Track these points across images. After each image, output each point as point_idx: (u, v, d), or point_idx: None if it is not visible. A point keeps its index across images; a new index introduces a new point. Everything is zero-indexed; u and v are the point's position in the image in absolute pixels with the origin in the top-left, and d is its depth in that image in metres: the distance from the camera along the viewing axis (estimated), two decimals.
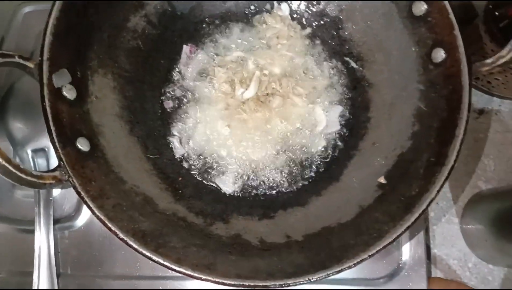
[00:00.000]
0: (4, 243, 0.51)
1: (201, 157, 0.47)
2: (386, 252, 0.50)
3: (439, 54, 0.40)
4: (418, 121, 0.42)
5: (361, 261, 0.34)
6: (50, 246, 0.49)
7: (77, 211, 0.51)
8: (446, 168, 0.36)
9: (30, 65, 0.36)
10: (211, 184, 0.47)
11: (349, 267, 0.34)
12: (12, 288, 0.49)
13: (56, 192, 0.52)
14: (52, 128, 0.35)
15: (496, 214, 0.59)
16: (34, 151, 0.50)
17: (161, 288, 0.49)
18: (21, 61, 0.36)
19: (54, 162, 0.51)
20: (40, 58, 0.36)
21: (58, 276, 0.49)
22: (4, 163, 0.30)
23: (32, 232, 0.49)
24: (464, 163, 0.69)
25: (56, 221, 0.50)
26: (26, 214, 0.51)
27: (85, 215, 0.51)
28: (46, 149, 0.50)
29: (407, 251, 0.50)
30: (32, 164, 0.51)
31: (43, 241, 0.49)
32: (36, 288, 0.48)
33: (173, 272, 0.48)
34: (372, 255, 0.35)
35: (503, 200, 0.60)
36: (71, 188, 0.50)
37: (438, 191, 0.36)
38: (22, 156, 0.51)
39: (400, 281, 0.49)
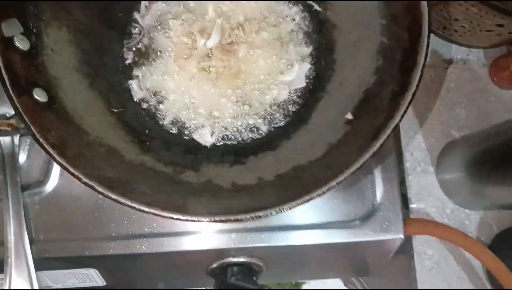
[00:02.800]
0: None
1: (170, 110, 0.47)
2: (361, 194, 0.50)
3: None
4: (382, 55, 0.42)
5: (329, 188, 0.34)
6: (20, 214, 0.48)
7: (45, 176, 0.50)
8: (409, 94, 0.36)
9: None
10: (182, 136, 0.46)
11: (319, 195, 0.34)
12: None
13: (22, 158, 0.50)
14: (5, 76, 0.34)
15: (470, 159, 0.61)
16: None
17: (137, 247, 0.48)
18: None
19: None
20: None
21: (31, 243, 0.48)
22: None
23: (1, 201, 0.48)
24: (437, 113, 0.70)
25: (24, 188, 0.49)
26: None
27: (54, 179, 0.50)
28: (8, 115, 0.48)
29: (381, 192, 0.50)
30: None
31: (12, 209, 0.47)
32: (9, 255, 0.46)
33: (149, 229, 0.49)
34: (340, 182, 0.35)
35: (476, 145, 0.62)
36: (37, 153, 0.50)
37: (402, 116, 0.36)
38: None
39: (376, 222, 0.49)
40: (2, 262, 0.47)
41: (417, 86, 0.36)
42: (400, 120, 0.36)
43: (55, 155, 0.33)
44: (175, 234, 0.48)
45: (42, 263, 0.48)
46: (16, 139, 0.49)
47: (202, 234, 0.48)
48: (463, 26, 0.65)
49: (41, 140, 0.33)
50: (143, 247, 0.48)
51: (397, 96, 0.38)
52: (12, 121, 0.34)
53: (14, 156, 0.49)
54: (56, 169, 0.50)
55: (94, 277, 0.52)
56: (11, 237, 0.47)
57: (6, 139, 0.49)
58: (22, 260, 0.47)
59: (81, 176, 0.33)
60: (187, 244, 0.48)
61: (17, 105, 0.34)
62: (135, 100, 0.47)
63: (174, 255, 0.49)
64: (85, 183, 0.33)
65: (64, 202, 0.49)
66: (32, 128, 0.34)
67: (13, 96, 0.34)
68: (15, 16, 0.37)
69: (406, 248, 0.64)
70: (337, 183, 0.35)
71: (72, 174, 0.33)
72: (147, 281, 0.56)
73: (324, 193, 0.34)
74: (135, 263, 0.50)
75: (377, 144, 0.35)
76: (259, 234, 0.48)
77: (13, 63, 0.35)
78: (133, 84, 0.47)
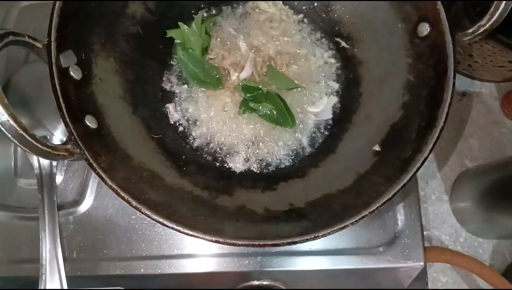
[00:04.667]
0: (9, 231, 0.51)
1: (204, 137, 0.49)
2: (383, 222, 0.52)
3: (424, 28, 0.43)
4: (408, 91, 0.44)
5: (362, 217, 0.37)
6: (55, 232, 0.49)
7: (80, 196, 0.52)
8: (436, 130, 0.39)
9: (39, 45, 0.38)
10: (215, 161, 0.48)
11: (352, 224, 0.36)
12: (19, 275, 0.50)
13: (59, 179, 0.52)
14: (62, 104, 0.36)
15: (483, 189, 0.63)
16: None
17: (167, 267, 0.50)
18: (30, 40, 0.37)
19: None
20: (48, 39, 0.37)
21: (64, 260, 0.49)
22: (21, 132, 0.31)
23: (36, 219, 0.50)
24: (451, 143, 0.72)
25: (59, 208, 0.51)
26: (29, 203, 0.52)
27: (89, 200, 0.52)
28: (48, 137, 0.51)
29: (402, 220, 0.52)
30: None
31: (48, 227, 0.49)
32: (43, 273, 0.48)
33: (178, 251, 0.50)
34: (372, 211, 0.37)
35: (489, 175, 0.63)
36: (73, 175, 0.52)
37: (430, 150, 0.38)
38: None
39: (397, 249, 0.51)
40: (37, 278, 0.48)
41: (445, 122, 0.39)
42: (428, 154, 0.38)
43: (107, 180, 0.36)
44: (203, 255, 0.50)
45: (73, 281, 0.50)
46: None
47: (229, 257, 0.50)
48: (477, 62, 0.68)
49: (94, 164, 0.36)
50: (173, 268, 0.50)
51: (424, 130, 0.40)
52: (68, 146, 0.36)
53: (51, 176, 0.51)
54: (90, 190, 0.52)
55: None
56: (46, 255, 0.49)
57: (45, 161, 0.52)
58: (56, 277, 0.49)
59: (131, 200, 0.35)
60: (214, 265, 0.50)
61: (73, 131, 0.36)
62: (171, 122, 0.49)
63: (201, 276, 0.50)
64: (135, 207, 0.35)
65: (97, 222, 0.51)
66: (86, 153, 0.36)
67: (69, 122, 0.36)
68: (71, 48, 0.40)
69: (420, 275, 0.65)
70: (370, 213, 0.37)
71: (122, 198, 0.35)
72: None
73: (357, 221, 0.36)
74: (163, 283, 0.52)
75: (408, 176, 0.37)
76: (284, 258, 0.50)
77: (68, 92, 0.38)
78: (170, 107, 0.50)
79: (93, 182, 0.52)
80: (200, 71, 0.49)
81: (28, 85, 0.54)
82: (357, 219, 0.36)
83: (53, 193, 0.51)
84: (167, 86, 0.50)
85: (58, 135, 0.52)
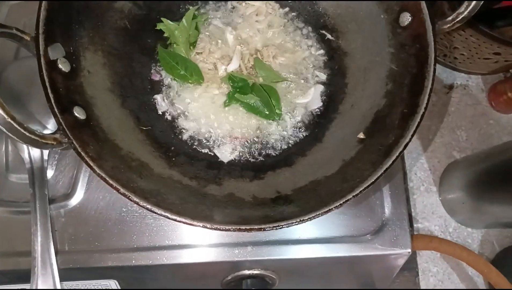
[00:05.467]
0: (1, 225, 0.51)
1: (192, 128, 0.50)
2: (370, 210, 0.53)
3: (406, 18, 0.45)
4: (391, 80, 0.46)
5: (347, 201, 0.37)
6: (47, 225, 0.50)
7: (71, 190, 0.52)
8: (418, 115, 0.40)
9: (27, 37, 0.38)
10: (204, 152, 0.49)
11: (336, 207, 0.37)
12: (11, 268, 0.50)
13: (50, 173, 0.53)
14: (51, 95, 0.37)
15: (471, 179, 0.64)
16: None
17: (158, 258, 0.50)
18: (18, 33, 0.38)
19: None
20: (36, 32, 0.38)
21: (56, 253, 0.50)
22: (9, 120, 0.32)
23: (27, 213, 0.50)
24: (439, 135, 0.74)
25: (51, 201, 0.51)
26: (20, 197, 0.52)
27: (80, 193, 0.52)
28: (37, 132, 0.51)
29: (390, 208, 0.53)
30: (26, 148, 0.52)
31: (39, 221, 0.50)
32: (35, 265, 0.48)
33: (169, 242, 0.51)
34: (356, 195, 0.38)
35: (476, 166, 0.65)
36: (64, 169, 0.53)
37: (412, 135, 0.39)
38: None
39: (385, 236, 0.52)
40: (29, 271, 0.49)
41: (425, 108, 0.40)
42: (410, 139, 0.39)
43: (95, 168, 0.36)
44: (194, 246, 0.51)
45: (65, 274, 0.50)
46: (45, 154, 0.52)
47: (219, 247, 0.51)
48: (463, 54, 0.69)
49: (82, 153, 0.36)
50: (164, 259, 0.50)
51: (407, 117, 0.41)
52: (57, 135, 0.36)
53: (43, 170, 0.52)
54: (81, 184, 0.53)
55: (112, 288, 0.54)
56: (38, 248, 0.49)
57: (36, 155, 0.52)
58: (48, 270, 0.49)
59: (119, 187, 0.36)
60: (205, 255, 0.50)
61: (61, 121, 0.37)
62: (159, 112, 0.50)
63: (192, 266, 0.51)
64: (123, 194, 0.36)
65: (88, 215, 0.52)
66: (74, 143, 0.37)
67: (57, 113, 0.37)
68: (59, 41, 0.40)
69: (411, 265, 0.66)
70: (354, 196, 0.37)
71: (111, 185, 0.36)
72: None
73: (341, 205, 0.37)
74: (155, 274, 0.52)
75: (390, 161, 0.38)
76: (274, 247, 0.51)
77: (56, 84, 0.39)
78: (158, 97, 0.51)
79: (84, 176, 0.53)
80: (180, 66, 0.49)
81: (19, 81, 0.54)
82: (341, 202, 0.37)
83: (44, 187, 0.51)
84: (156, 78, 0.51)
85: (50, 130, 0.52)
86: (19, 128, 0.32)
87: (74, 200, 0.52)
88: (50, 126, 0.52)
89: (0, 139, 0.54)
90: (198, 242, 0.51)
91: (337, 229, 0.52)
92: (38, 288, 0.48)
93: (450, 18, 0.42)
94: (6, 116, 0.32)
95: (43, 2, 0.39)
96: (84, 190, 0.53)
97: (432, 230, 0.69)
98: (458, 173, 0.68)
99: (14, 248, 0.51)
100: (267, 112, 0.49)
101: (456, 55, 0.72)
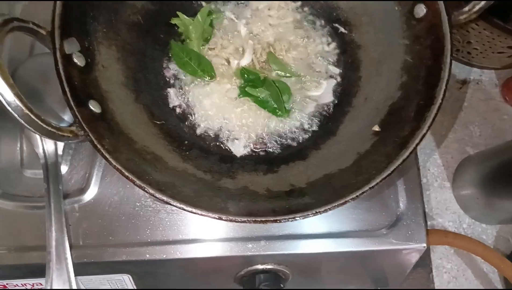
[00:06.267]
0: (15, 220, 0.52)
1: (205, 122, 0.50)
2: (385, 205, 0.53)
3: (420, 9, 0.44)
4: (406, 72, 0.45)
5: (363, 193, 0.37)
6: (61, 220, 0.50)
7: (85, 185, 0.53)
8: (434, 107, 0.40)
9: (43, 32, 0.39)
10: (217, 146, 0.49)
11: (353, 199, 0.37)
12: (26, 263, 0.51)
13: (64, 168, 0.53)
14: (66, 89, 0.37)
15: (484, 175, 0.63)
16: None
17: (172, 252, 0.50)
18: (34, 27, 0.38)
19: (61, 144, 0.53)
20: (52, 26, 0.38)
21: (70, 248, 0.50)
22: (27, 111, 0.32)
23: (42, 208, 0.51)
24: (452, 131, 0.73)
25: (65, 196, 0.52)
26: (35, 192, 0.53)
27: (94, 188, 0.53)
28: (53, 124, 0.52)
29: (404, 203, 0.53)
30: (40, 144, 0.52)
31: (54, 216, 0.50)
32: (50, 260, 0.49)
33: (183, 236, 0.51)
34: (373, 187, 0.37)
35: (490, 161, 0.64)
36: (78, 164, 0.53)
37: (429, 127, 0.39)
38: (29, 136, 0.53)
39: (400, 231, 0.51)
40: (43, 266, 0.49)
41: (442, 99, 0.39)
42: (427, 131, 0.39)
43: (111, 160, 0.36)
44: (207, 240, 0.51)
45: (80, 268, 0.50)
46: (60, 149, 0.53)
47: (233, 241, 0.50)
48: (476, 48, 0.69)
49: (98, 146, 0.37)
50: (178, 253, 0.50)
51: (423, 109, 0.41)
52: (73, 128, 0.37)
53: (57, 165, 0.52)
54: (95, 179, 0.53)
55: (126, 282, 0.55)
56: (52, 242, 0.50)
57: (50, 149, 0.53)
58: (63, 264, 0.49)
59: (134, 179, 0.36)
60: (219, 250, 0.50)
61: (77, 114, 0.37)
62: (171, 106, 0.50)
63: (205, 260, 0.51)
64: (138, 186, 0.36)
65: (102, 210, 0.52)
66: (90, 135, 0.37)
67: (73, 106, 0.37)
68: (74, 35, 0.41)
69: (424, 261, 0.66)
70: (370, 188, 0.37)
71: (127, 177, 0.36)
72: (177, 287, 0.58)
73: (358, 197, 0.37)
74: (168, 268, 0.52)
75: (407, 152, 0.38)
76: (287, 242, 0.51)
77: (72, 77, 0.39)
78: (171, 91, 0.51)
79: (98, 171, 0.53)
80: (193, 61, 0.49)
81: (34, 77, 0.54)
82: (358, 194, 0.37)
83: (59, 182, 0.51)
84: (168, 73, 0.51)
85: (64, 124, 0.52)
86: (36, 119, 0.33)
87: (88, 195, 0.52)
88: (65, 124, 0.53)
89: (15, 134, 0.55)
90: (211, 237, 0.51)
91: (351, 224, 0.51)
92: (53, 282, 0.48)
93: (466, 9, 0.41)
94: (24, 108, 0.32)
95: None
96: (98, 185, 0.53)
97: (446, 226, 0.69)
98: (472, 169, 0.68)
99: (29, 242, 0.51)
100: (275, 106, 0.49)
101: (469, 50, 0.71)
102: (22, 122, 0.32)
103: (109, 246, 0.51)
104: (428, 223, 0.67)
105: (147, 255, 0.50)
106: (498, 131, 0.72)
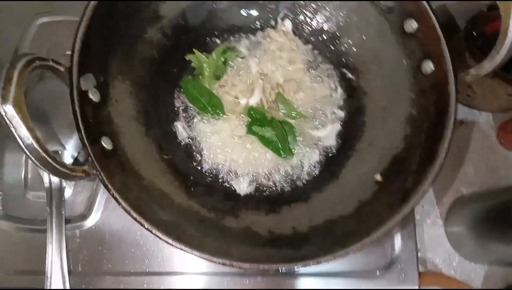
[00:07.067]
0: (16, 243, 0.52)
1: (211, 159, 0.51)
2: (380, 246, 0.54)
3: (428, 66, 0.45)
4: (410, 124, 0.46)
5: (364, 245, 0.38)
6: (61, 245, 0.51)
7: (88, 211, 0.53)
8: (437, 163, 0.41)
9: (61, 68, 0.39)
10: (221, 183, 0.50)
11: (353, 251, 0.38)
12: (24, 287, 0.51)
13: (67, 193, 0.54)
14: (81, 126, 0.38)
15: (477, 215, 0.64)
16: None
17: (170, 283, 0.51)
18: (54, 64, 0.39)
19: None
20: (70, 63, 0.39)
21: (69, 274, 0.50)
22: (43, 154, 0.33)
23: (43, 232, 0.51)
24: (448, 169, 0.74)
25: (67, 221, 0.52)
26: (37, 215, 0.53)
27: (96, 215, 0.53)
28: (60, 152, 0.52)
29: (399, 245, 0.54)
30: None
31: (55, 240, 0.50)
32: (48, 285, 0.49)
33: (182, 268, 0.51)
34: (374, 240, 0.38)
35: (483, 202, 0.65)
36: (82, 189, 0.54)
37: (431, 183, 0.40)
38: None
39: (394, 273, 0.52)
40: None
41: (445, 158, 0.41)
42: (428, 188, 0.40)
43: (120, 200, 0.37)
44: (206, 273, 0.51)
45: None
46: None
47: (232, 275, 0.51)
48: (475, 92, 0.71)
49: (109, 185, 0.37)
50: (175, 285, 0.51)
51: (425, 163, 0.42)
52: (85, 167, 0.37)
53: (61, 191, 0.52)
54: (98, 205, 0.54)
55: None
56: (51, 268, 0.50)
57: None
58: None
59: (143, 222, 0.37)
60: (218, 283, 0.51)
61: (90, 153, 0.38)
62: (179, 140, 0.51)
63: None
64: (147, 229, 0.37)
65: (103, 237, 0.52)
66: (102, 174, 0.37)
67: (87, 144, 0.38)
68: (91, 71, 0.41)
69: None
70: (371, 241, 0.38)
71: (135, 219, 0.37)
72: None
73: (358, 250, 0.38)
74: None
75: (408, 208, 0.39)
76: (283, 279, 0.52)
77: (87, 114, 0.40)
78: (178, 125, 0.52)
79: (101, 197, 0.54)
80: (203, 98, 0.51)
81: (43, 102, 0.55)
82: (359, 246, 0.38)
83: (62, 207, 0.52)
84: (178, 104, 0.52)
85: (70, 150, 0.53)
86: (52, 162, 0.33)
87: (90, 221, 0.53)
88: (70, 147, 0.53)
89: (19, 156, 0.55)
90: (210, 270, 0.51)
91: (346, 264, 0.53)
92: None
93: (473, 72, 0.43)
94: (40, 150, 0.33)
95: (79, 33, 0.40)
96: (100, 211, 0.53)
97: (436, 263, 0.70)
98: (464, 209, 0.69)
99: (28, 266, 0.52)
100: (280, 147, 0.50)
101: (470, 93, 0.73)
102: (38, 164, 0.33)
103: (108, 274, 0.51)
104: (419, 257, 0.69)
105: (145, 285, 0.51)
106: (492, 172, 0.74)
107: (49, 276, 0.50)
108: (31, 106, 0.54)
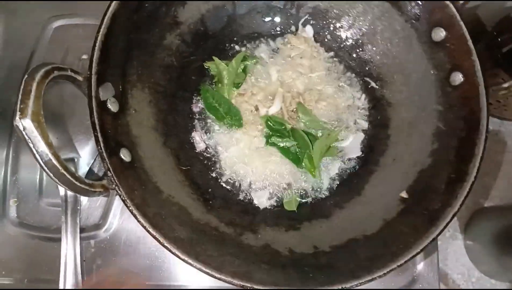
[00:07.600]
0: (31, 251, 0.51)
1: (229, 170, 0.49)
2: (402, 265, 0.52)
3: (457, 78, 0.43)
4: (437, 139, 0.44)
5: (390, 270, 0.37)
6: (76, 255, 0.50)
7: (103, 220, 0.52)
8: (467, 184, 0.39)
9: (80, 78, 0.38)
10: (240, 195, 0.48)
11: (380, 277, 0.36)
12: None
13: (83, 201, 0.53)
14: (100, 139, 0.37)
15: (498, 230, 0.62)
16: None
17: None
18: (73, 74, 0.37)
19: (82, 172, 0.52)
20: (88, 72, 0.38)
21: (82, 284, 0.49)
22: (63, 171, 0.31)
23: (57, 240, 0.50)
24: None
25: (82, 230, 0.51)
26: (51, 223, 0.52)
27: (111, 225, 0.52)
28: (76, 160, 0.51)
29: (421, 265, 0.52)
30: None
31: (69, 250, 0.50)
32: None
33: (198, 282, 0.50)
34: (401, 265, 0.37)
35: (503, 218, 0.63)
36: (98, 199, 0.53)
37: (461, 205, 0.38)
38: None
39: None
40: None
41: (475, 177, 0.39)
42: (459, 209, 0.38)
43: (139, 217, 0.36)
44: (223, 288, 0.50)
45: None
46: None
47: None
48: (498, 101, 0.68)
49: (128, 201, 0.36)
50: None
51: (454, 183, 0.40)
52: (104, 182, 0.36)
53: (76, 200, 0.51)
54: (113, 215, 0.53)
55: None
56: (65, 277, 0.49)
57: None
58: None
59: (161, 239, 0.35)
60: None
61: (109, 166, 0.36)
62: (197, 151, 0.50)
63: None
64: (165, 247, 0.35)
65: (117, 248, 0.52)
66: (121, 189, 0.36)
67: (106, 157, 0.37)
68: (110, 80, 0.40)
69: None
70: (398, 266, 0.37)
71: (153, 237, 0.36)
72: None
73: (385, 275, 0.36)
74: None
75: (436, 231, 0.37)
76: None
77: (106, 125, 0.39)
78: (196, 136, 0.50)
79: (117, 207, 0.53)
80: (222, 108, 0.49)
81: (57, 105, 0.54)
82: (385, 272, 0.36)
83: (77, 215, 0.51)
84: (196, 109, 0.51)
85: (85, 157, 0.51)
86: (71, 178, 0.32)
87: (105, 232, 0.52)
88: (86, 153, 0.52)
89: (34, 162, 0.54)
90: (224, 285, 0.50)
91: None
92: None
93: (506, 85, 0.41)
94: (60, 167, 0.31)
95: (98, 41, 0.39)
96: (115, 221, 0.52)
97: (454, 279, 0.68)
98: (485, 223, 0.67)
99: (42, 274, 0.51)
100: (298, 157, 0.48)
101: (492, 101, 0.71)
102: (57, 181, 0.32)
103: (122, 284, 0.50)
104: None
105: None
106: None
107: (62, 285, 0.49)
108: (44, 110, 0.54)
